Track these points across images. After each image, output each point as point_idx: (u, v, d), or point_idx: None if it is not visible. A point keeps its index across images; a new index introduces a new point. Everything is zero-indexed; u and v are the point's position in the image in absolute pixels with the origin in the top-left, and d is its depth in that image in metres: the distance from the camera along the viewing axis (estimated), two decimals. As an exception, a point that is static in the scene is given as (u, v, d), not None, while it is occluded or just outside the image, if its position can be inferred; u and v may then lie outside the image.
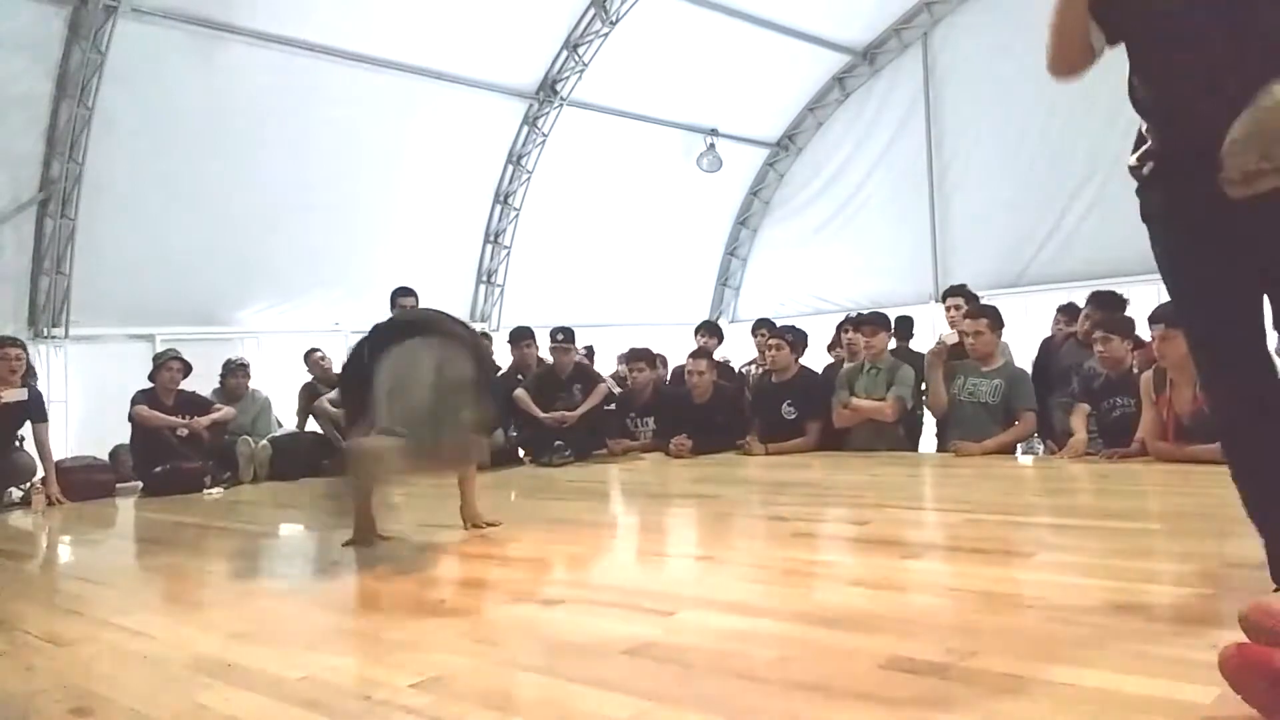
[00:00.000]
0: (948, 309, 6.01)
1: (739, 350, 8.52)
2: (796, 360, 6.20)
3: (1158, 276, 1.91)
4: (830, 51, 10.81)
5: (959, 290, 6.17)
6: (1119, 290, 5.58)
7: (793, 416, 5.97)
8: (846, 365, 6.12)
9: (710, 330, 7.64)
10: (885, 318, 5.96)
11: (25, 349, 5.77)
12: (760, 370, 6.96)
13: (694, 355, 6.55)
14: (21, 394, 5.66)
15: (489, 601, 2.53)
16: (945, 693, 1.53)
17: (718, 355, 8.15)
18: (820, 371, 6.49)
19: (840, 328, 6.62)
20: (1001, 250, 9.65)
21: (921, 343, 6.67)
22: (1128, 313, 5.19)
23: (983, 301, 6.12)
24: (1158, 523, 3.18)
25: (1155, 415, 4.36)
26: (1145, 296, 5.63)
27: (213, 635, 2.21)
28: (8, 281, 7.34)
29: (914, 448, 5.87)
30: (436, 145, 9.18)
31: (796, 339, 6.32)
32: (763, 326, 7.39)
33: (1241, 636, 1.43)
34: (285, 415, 7.20)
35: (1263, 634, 1.43)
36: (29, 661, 2.09)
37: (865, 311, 6.64)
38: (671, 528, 3.94)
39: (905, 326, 6.85)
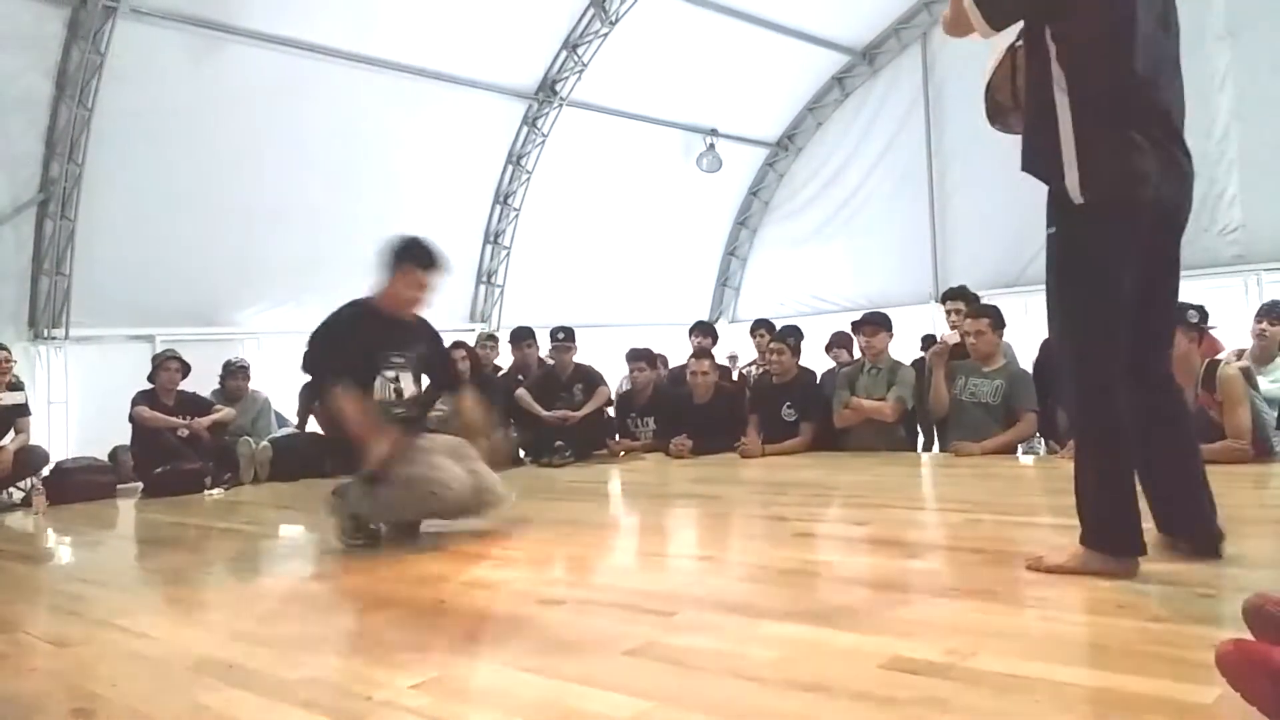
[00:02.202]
0: (948, 312, 5.98)
1: (743, 350, 8.51)
2: (796, 362, 6.19)
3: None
4: (829, 51, 10.82)
5: (959, 292, 6.11)
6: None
7: (792, 419, 5.97)
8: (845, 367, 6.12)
9: (705, 330, 7.62)
10: (886, 317, 5.94)
11: (10, 352, 5.92)
12: (760, 371, 6.95)
13: (696, 355, 6.55)
14: (19, 396, 5.76)
15: (489, 602, 2.52)
16: (946, 693, 1.53)
17: (730, 352, 8.09)
18: (820, 375, 6.48)
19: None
20: (1001, 249, 9.64)
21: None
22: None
23: (983, 301, 6.10)
24: (1158, 522, 3.17)
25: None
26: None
27: (214, 636, 2.21)
28: (7, 282, 7.34)
29: (915, 448, 5.87)
30: (436, 146, 9.18)
31: (795, 342, 6.29)
32: (761, 327, 7.37)
33: (1240, 634, 1.43)
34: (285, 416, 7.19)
35: (1271, 625, 1.42)
36: (30, 663, 2.09)
37: (867, 311, 6.61)
38: (672, 528, 3.94)
39: None
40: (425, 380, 3.75)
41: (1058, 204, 2.20)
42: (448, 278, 3.68)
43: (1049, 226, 2.23)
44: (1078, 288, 2.21)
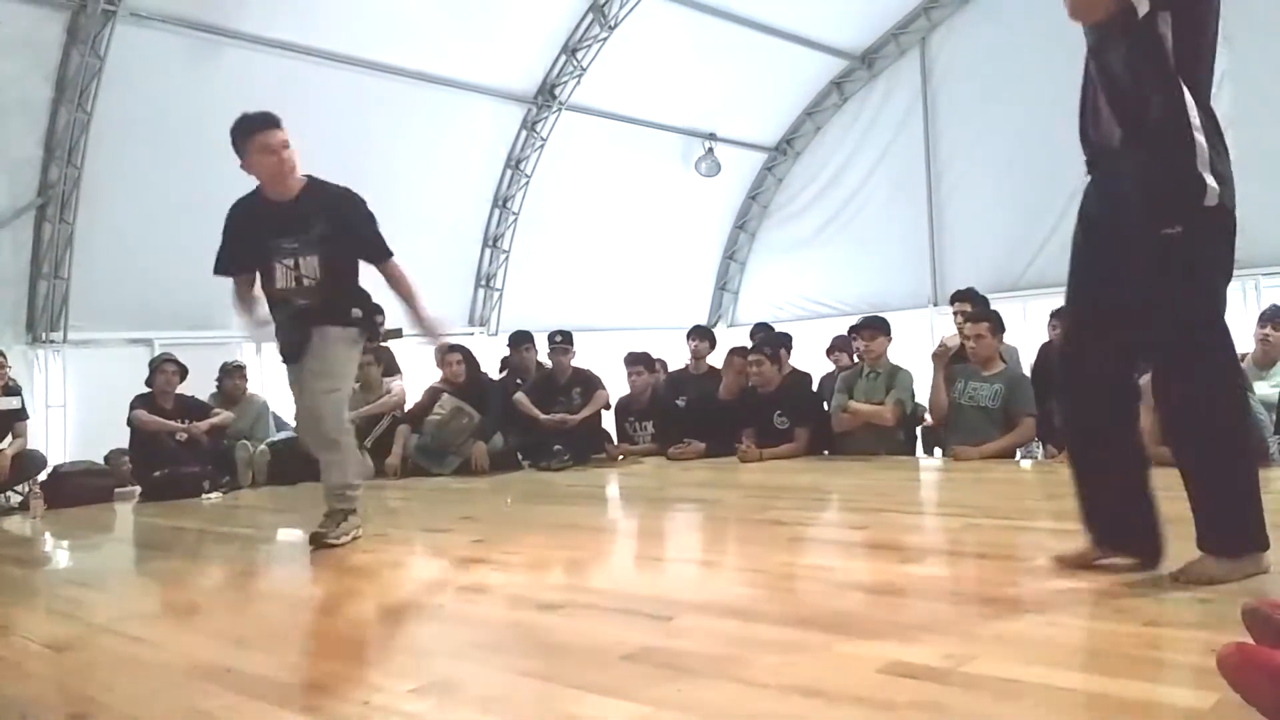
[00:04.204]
0: (955, 313, 5.97)
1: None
2: (781, 368, 6.09)
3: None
4: (828, 56, 10.82)
5: (966, 294, 6.09)
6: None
7: (785, 426, 5.93)
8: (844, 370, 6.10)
9: (702, 334, 7.60)
10: (884, 321, 5.94)
11: (5, 356, 5.92)
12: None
13: (755, 349, 6.35)
14: (14, 402, 5.77)
15: (488, 606, 2.52)
16: (944, 698, 1.53)
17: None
18: (819, 379, 6.45)
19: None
20: (999, 254, 9.65)
21: (921, 348, 6.64)
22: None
23: (984, 304, 6.09)
24: (1156, 527, 3.16)
25: (1155, 419, 4.35)
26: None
27: (211, 640, 2.21)
28: (6, 286, 7.32)
29: (913, 452, 5.86)
30: (435, 149, 9.18)
31: (774, 351, 6.11)
32: (761, 331, 7.36)
33: (1240, 637, 1.43)
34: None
35: (1270, 628, 1.42)
36: (27, 666, 2.08)
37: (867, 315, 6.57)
38: (670, 532, 3.94)
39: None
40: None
41: (1182, 203, 2.13)
42: (283, 132, 3.65)
43: (1167, 225, 2.12)
44: (1216, 286, 2.20)
